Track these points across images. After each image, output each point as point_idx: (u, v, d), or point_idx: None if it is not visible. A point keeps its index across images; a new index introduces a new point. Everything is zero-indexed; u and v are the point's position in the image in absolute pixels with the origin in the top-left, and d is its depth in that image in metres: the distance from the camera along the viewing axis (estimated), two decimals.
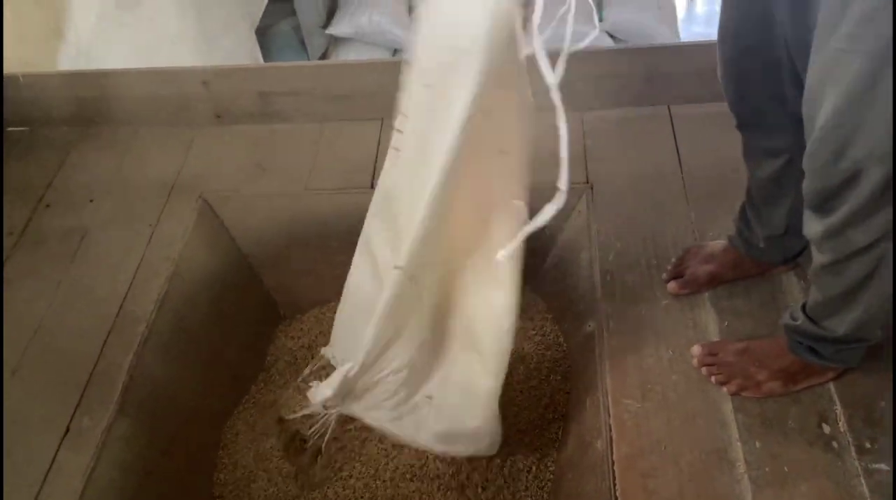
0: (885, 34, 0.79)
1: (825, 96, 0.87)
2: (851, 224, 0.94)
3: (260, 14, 3.11)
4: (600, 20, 3.36)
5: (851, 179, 0.90)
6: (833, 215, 0.95)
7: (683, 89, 1.79)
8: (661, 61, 1.84)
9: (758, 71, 1.08)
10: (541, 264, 1.69)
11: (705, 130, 1.71)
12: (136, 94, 1.94)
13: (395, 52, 3.61)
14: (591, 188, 1.63)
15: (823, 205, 0.96)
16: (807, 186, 0.97)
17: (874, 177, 0.88)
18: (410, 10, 3.66)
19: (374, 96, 1.81)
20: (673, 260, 1.46)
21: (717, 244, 1.44)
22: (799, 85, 0.97)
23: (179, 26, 2.50)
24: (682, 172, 1.65)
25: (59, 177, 1.80)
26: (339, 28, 3.41)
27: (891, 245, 0.96)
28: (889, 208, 0.92)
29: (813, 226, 1.00)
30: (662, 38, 3.25)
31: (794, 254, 1.38)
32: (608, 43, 3.30)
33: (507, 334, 1.11)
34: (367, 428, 1.46)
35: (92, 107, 1.96)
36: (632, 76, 1.81)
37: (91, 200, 1.75)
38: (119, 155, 1.89)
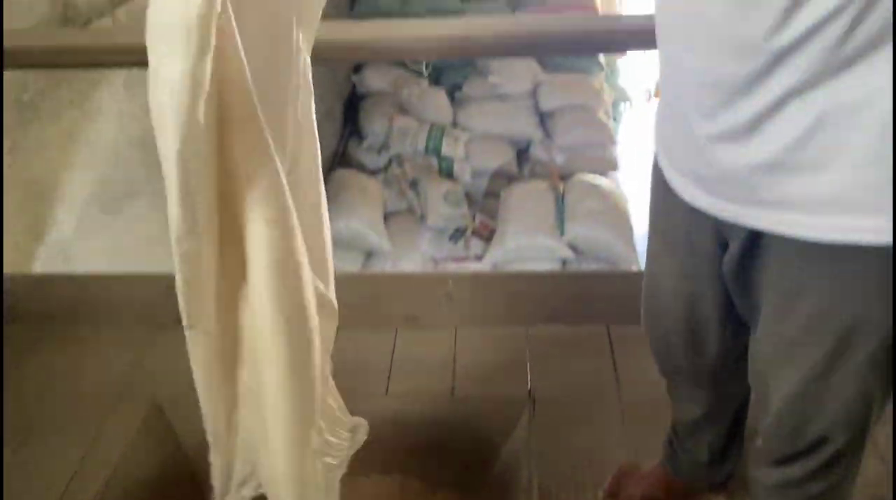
0: (840, 326, 0.80)
1: (780, 378, 0.88)
2: (812, 478, 0.94)
3: None
4: (562, 234, 3.70)
5: (814, 446, 0.90)
6: (792, 468, 0.95)
7: (623, 311, 1.95)
8: (602, 284, 2.03)
9: (680, 342, 1.11)
10: (482, 477, 1.73)
11: (642, 351, 1.85)
12: (102, 296, 2.02)
13: (369, 256, 3.86)
14: (534, 402, 1.70)
15: (782, 462, 0.96)
16: (763, 447, 0.97)
17: (839, 441, 0.89)
18: (386, 217, 3.99)
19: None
20: (609, 480, 1.50)
21: (651, 466, 1.49)
22: (724, 333, 1.00)
23: (159, 230, 2.64)
24: (619, 392, 1.74)
25: (12, 376, 1.82)
26: None
27: (851, 483, 0.96)
28: (851, 459, 0.92)
29: (768, 474, 0.99)
30: (619, 252, 3.55)
31: (722, 480, 1.42)
32: (569, 255, 3.61)
33: None
34: None
35: (56, 307, 2.01)
36: (575, 296, 1.96)
37: (38, 400, 1.77)
38: (76, 355, 1.93)
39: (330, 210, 1.03)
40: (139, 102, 2.41)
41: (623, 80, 7.80)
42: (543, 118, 4.91)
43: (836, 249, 0.77)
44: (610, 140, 4.68)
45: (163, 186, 0.74)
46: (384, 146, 4.49)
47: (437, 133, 4.45)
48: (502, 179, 4.49)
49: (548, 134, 4.73)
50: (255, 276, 0.83)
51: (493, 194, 4.33)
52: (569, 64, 5.10)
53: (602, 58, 5.39)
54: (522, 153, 4.67)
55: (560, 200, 3.93)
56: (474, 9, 4.92)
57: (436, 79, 5.28)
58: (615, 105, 7.24)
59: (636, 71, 8.75)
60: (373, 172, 4.33)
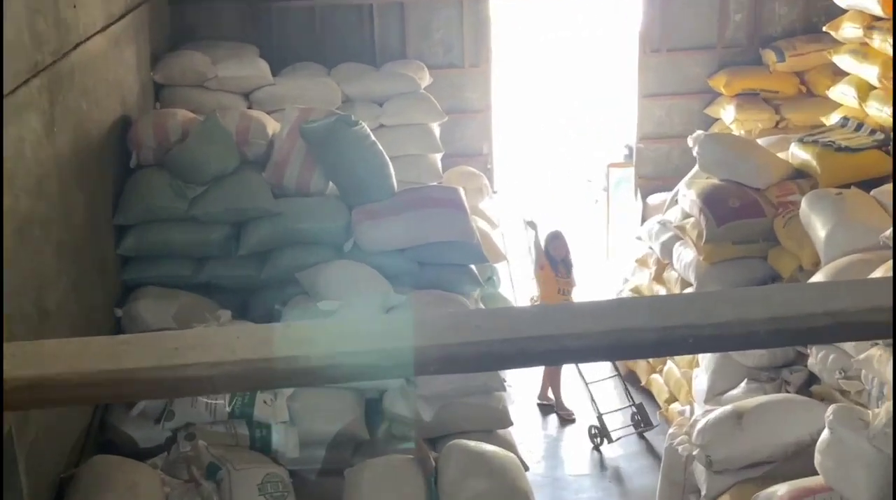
0: None
1: None
2: None
3: None
4: None
5: None
6: None
7: None
8: None
9: None
10: None
11: None
12: None
13: None
14: None
15: None
16: None
17: None
18: None
19: None
20: None
21: None
22: None
23: None
24: None
25: None
26: None
27: None
28: None
29: None
30: None
31: None
32: None
33: None
34: None
35: None
36: None
37: None
38: None
39: None
40: None
41: (505, 288, 8.35)
42: None
43: None
44: (497, 383, 4.71)
45: None
46: (166, 412, 4.26)
47: None
48: (346, 449, 4.45)
49: (409, 378, 4.70)
50: None
51: (333, 474, 4.24)
52: (438, 280, 5.40)
53: (476, 270, 5.64)
54: (373, 407, 4.68)
55: (432, 483, 3.89)
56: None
57: (242, 303, 5.32)
58: None
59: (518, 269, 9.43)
60: (148, 454, 4.16)
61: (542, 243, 7.34)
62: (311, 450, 4.42)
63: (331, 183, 5.74)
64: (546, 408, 7.21)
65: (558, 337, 1.08)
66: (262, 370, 1.04)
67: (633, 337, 1.09)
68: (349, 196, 5.64)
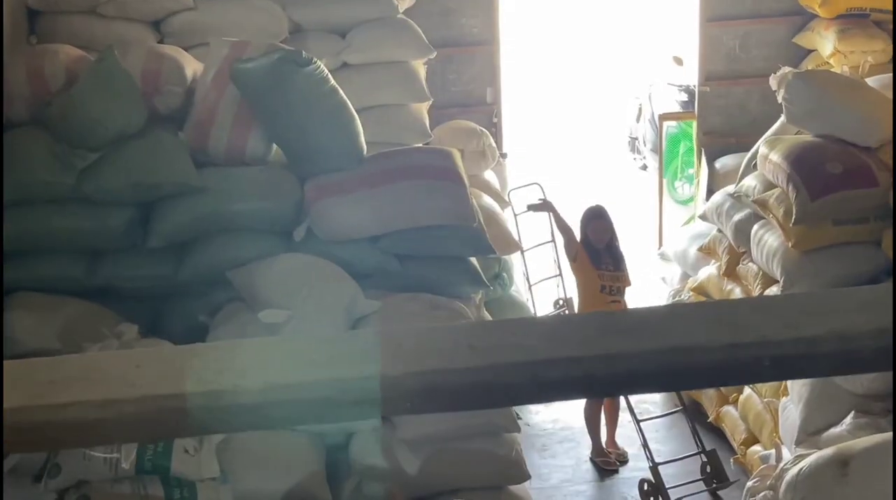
0: None
1: None
2: None
3: None
4: None
5: None
6: None
7: None
8: None
9: None
10: None
11: None
12: None
13: None
14: None
15: None
16: None
17: None
18: None
19: None
20: None
21: None
22: None
23: None
24: None
25: None
26: None
27: None
28: None
29: None
30: None
31: None
32: None
33: None
34: None
35: None
36: None
37: None
38: None
39: None
40: None
41: (520, 288, 8.38)
42: None
43: None
44: (507, 421, 4.71)
45: None
46: (49, 467, 4.27)
47: None
48: None
49: (386, 418, 4.72)
50: None
51: None
52: (426, 280, 5.46)
53: (478, 265, 5.63)
54: (337, 456, 4.69)
55: None
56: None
57: (154, 314, 5.30)
58: None
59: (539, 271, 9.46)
60: None
61: (577, 226, 7.25)
62: None
63: (274, 146, 5.73)
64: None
65: (582, 360, 1.08)
66: (171, 411, 1.03)
67: (687, 359, 1.08)
68: (300, 164, 5.64)
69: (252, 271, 5.21)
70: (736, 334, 1.13)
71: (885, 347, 1.13)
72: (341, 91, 5.71)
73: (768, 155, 6.33)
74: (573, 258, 7.19)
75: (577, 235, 7.22)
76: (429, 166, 5.65)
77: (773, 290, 6.24)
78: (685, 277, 8.17)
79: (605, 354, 1.11)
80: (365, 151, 5.76)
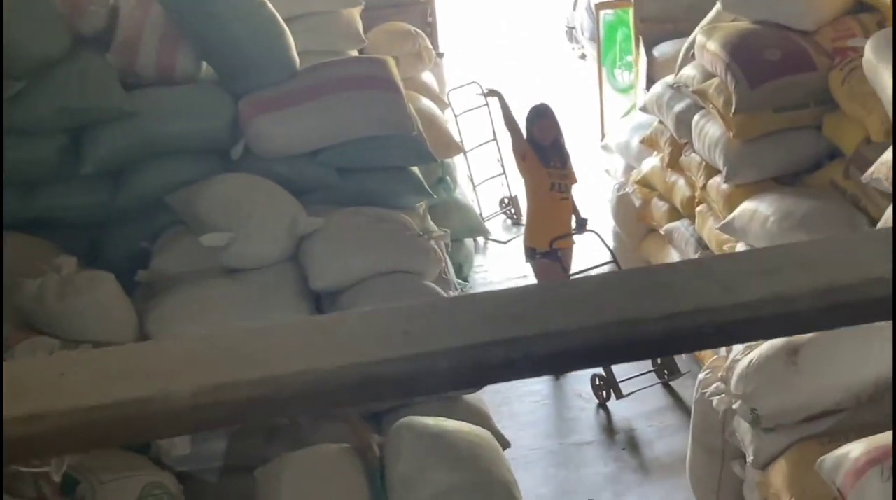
0: None
1: None
2: None
3: None
4: None
5: None
6: None
7: None
8: None
9: None
10: None
11: None
12: None
13: None
14: None
15: None
16: None
17: None
18: None
19: None
20: None
21: None
22: None
23: None
24: None
25: None
26: None
27: None
28: None
29: None
30: None
31: None
32: None
33: None
34: None
35: None
36: None
37: None
38: None
39: None
40: None
41: (465, 190, 8.34)
42: (321, 303, 4.99)
43: None
44: None
45: None
46: None
47: None
48: (256, 437, 4.47)
49: None
50: None
51: (241, 471, 4.25)
52: (368, 192, 5.43)
53: (419, 173, 5.58)
54: None
55: (377, 480, 3.92)
56: None
57: (93, 243, 5.23)
58: (457, 249, 7.62)
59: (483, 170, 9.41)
60: None
61: (522, 125, 7.15)
62: (207, 444, 4.43)
63: (205, 64, 5.61)
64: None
65: (521, 341, 1.05)
66: (101, 422, 0.99)
67: (629, 332, 1.06)
68: (233, 81, 5.54)
69: (191, 194, 5.13)
70: (676, 302, 1.10)
71: (826, 306, 1.11)
72: (269, 2, 5.58)
73: (705, 44, 6.28)
74: (521, 157, 7.08)
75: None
76: (364, 77, 5.56)
77: (717, 180, 6.25)
78: (629, 169, 8.17)
79: (545, 332, 1.08)
80: (298, 64, 5.65)
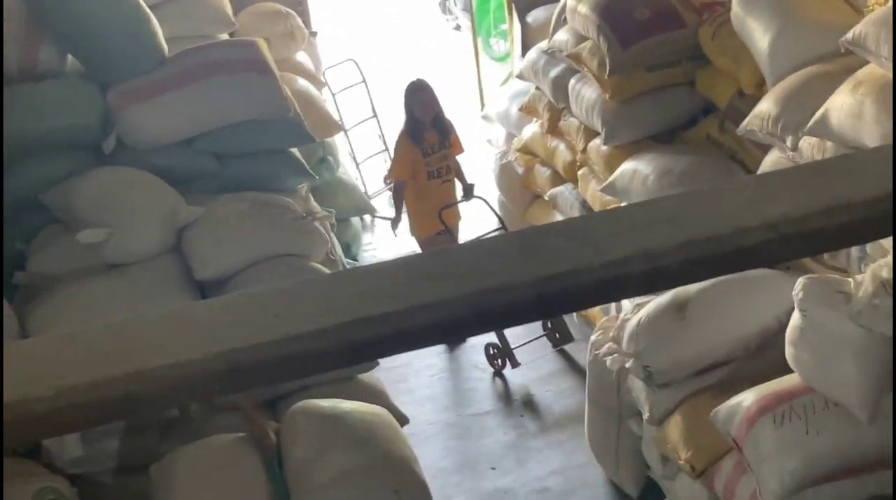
0: None
1: None
2: None
3: None
4: None
5: None
6: None
7: None
8: None
9: None
10: None
11: None
12: None
13: None
14: None
15: None
16: None
17: None
18: None
19: None
20: None
21: None
22: None
23: None
24: None
25: None
26: None
27: None
28: None
29: None
30: None
31: None
32: None
33: None
34: None
35: None
36: None
37: None
38: None
39: None
40: None
41: (347, 168, 8.27)
42: (207, 293, 4.94)
43: None
44: None
45: None
46: None
47: None
48: (150, 433, 4.44)
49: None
50: None
51: (138, 470, 4.20)
52: (249, 177, 5.41)
53: (299, 155, 5.54)
54: None
55: (275, 466, 3.92)
56: None
57: None
58: (344, 229, 7.58)
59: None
60: None
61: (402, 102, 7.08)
62: (100, 444, 4.38)
63: (69, 56, 5.47)
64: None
65: (392, 316, 1.03)
66: None
67: (503, 299, 1.05)
68: (100, 72, 5.41)
69: (66, 191, 5.03)
70: (548, 266, 1.10)
71: (693, 259, 1.11)
72: None
73: (577, 7, 6.30)
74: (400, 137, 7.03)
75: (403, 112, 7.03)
76: (234, 60, 5.49)
77: (596, 142, 6.29)
78: (510, 137, 8.18)
79: (415, 306, 1.07)
80: (166, 51, 5.55)
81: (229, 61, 5.47)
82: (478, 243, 1.34)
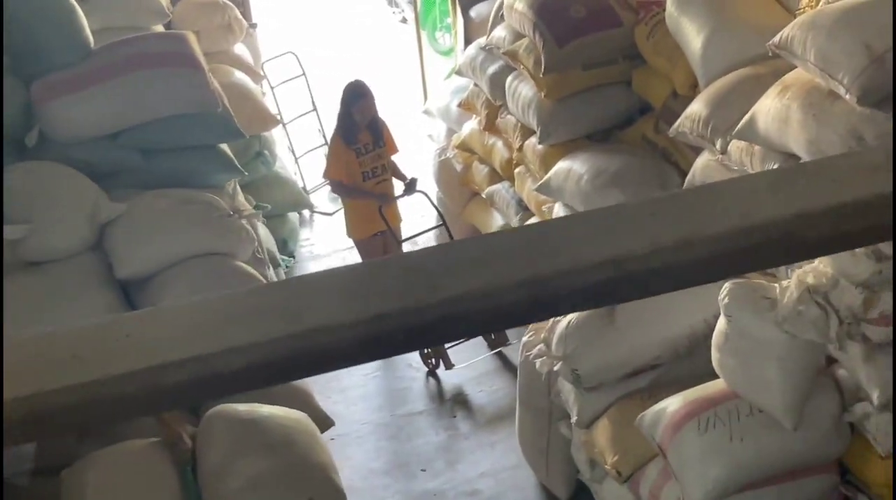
0: None
1: None
2: None
3: None
4: None
5: None
6: None
7: None
8: None
9: None
10: None
11: None
12: None
13: None
14: None
15: None
16: None
17: None
18: None
19: None
20: None
21: None
22: None
23: None
24: None
25: None
26: None
27: None
28: None
29: None
30: None
31: None
32: None
33: None
34: None
35: None
36: None
37: None
38: None
39: None
40: None
41: (286, 163, 8.19)
42: (129, 292, 4.90)
43: None
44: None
45: None
46: None
47: None
48: (67, 437, 4.28)
49: None
50: None
51: (55, 471, 4.10)
52: (175, 173, 5.33)
53: (229, 150, 5.47)
54: None
55: (188, 472, 3.90)
56: None
57: None
58: (280, 224, 7.51)
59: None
60: None
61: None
62: (16, 447, 4.28)
63: None
64: None
65: (206, 358, 0.97)
66: None
67: (379, 328, 0.99)
68: (22, 64, 5.28)
69: None
70: (382, 303, 1.04)
71: (608, 279, 1.07)
72: None
73: (514, 4, 6.26)
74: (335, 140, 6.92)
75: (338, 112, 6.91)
76: (162, 54, 5.38)
77: (532, 140, 6.26)
78: (451, 133, 8.14)
79: (229, 348, 1.01)
80: (92, 43, 5.44)
81: (156, 54, 5.37)
82: (351, 268, 1.27)
